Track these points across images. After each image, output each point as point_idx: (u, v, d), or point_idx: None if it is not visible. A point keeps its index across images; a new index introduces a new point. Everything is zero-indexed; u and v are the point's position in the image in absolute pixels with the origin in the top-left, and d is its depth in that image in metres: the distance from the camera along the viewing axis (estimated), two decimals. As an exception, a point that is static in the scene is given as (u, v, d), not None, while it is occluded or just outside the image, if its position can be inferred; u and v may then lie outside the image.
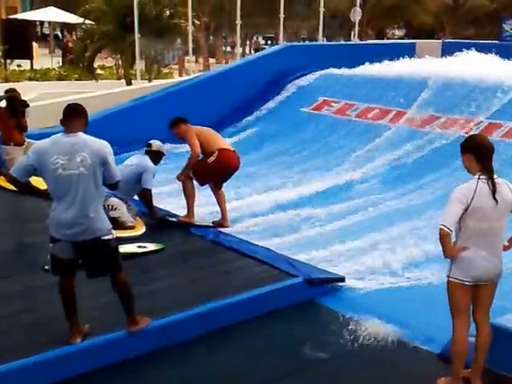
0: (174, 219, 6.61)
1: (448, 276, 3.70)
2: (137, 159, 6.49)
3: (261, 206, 7.62)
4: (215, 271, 5.28)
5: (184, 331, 4.33)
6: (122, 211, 6.21)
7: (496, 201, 3.53)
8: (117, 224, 5.93)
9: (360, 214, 7.29)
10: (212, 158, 6.55)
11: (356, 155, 9.25)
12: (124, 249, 5.11)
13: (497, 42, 14.11)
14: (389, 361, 4.22)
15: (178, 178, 6.67)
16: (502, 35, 14.85)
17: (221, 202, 6.78)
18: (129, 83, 17.87)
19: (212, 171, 6.60)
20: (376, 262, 5.85)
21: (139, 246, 5.65)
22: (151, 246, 5.70)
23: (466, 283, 3.62)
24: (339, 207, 7.50)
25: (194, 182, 6.72)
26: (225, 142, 6.94)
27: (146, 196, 6.33)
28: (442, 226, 3.54)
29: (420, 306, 4.89)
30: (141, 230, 6.22)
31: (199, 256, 5.69)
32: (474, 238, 3.59)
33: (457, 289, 3.66)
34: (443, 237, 3.55)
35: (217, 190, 6.80)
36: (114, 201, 6.19)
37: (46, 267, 4.25)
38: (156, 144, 6.63)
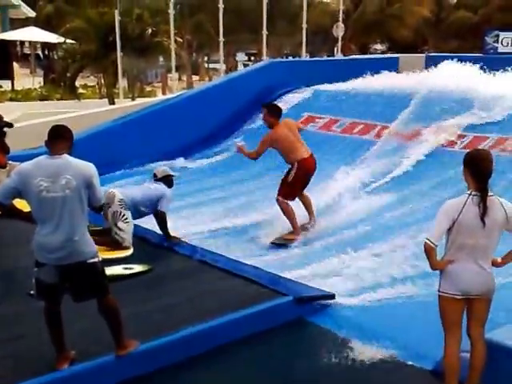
0: (278, 241, 6.91)
1: (438, 290, 3.71)
2: (156, 184, 6.57)
3: (248, 222, 7.62)
4: (203, 292, 5.19)
5: (173, 354, 4.26)
6: (129, 228, 6.17)
7: (484, 223, 3.52)
8: (114, 240, 6.00)
9: (348, 229, 7.27)
10: (292, 173, 7.10)
11: (342, 170, 9.22)
12: (110, 271, 5.01)
13: (480, 54, 14.29)
14: (381, 378, 4.18)
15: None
16: (486, 48, 15.04)
17: (307, 204, 7.30)
18: (112, 102, 17.82)
19: (296, 184, 7.14)
20: (365, 279, 5.82)
21: (126, 268, 5.56)
22: (138, 268, 5.61)
23: (456, 297, 3.61)
24: (326, 223, 7.46)
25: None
26: (303, 150, 7.21)
27: (161, 217, 6.41)
28: (426, 240, 3.60)
29: (411, 322, 4.86)
30: (128, 251, 6.12)
31: (187, 276, 5.60)
32: (461, 251, 3.59)
33: (447, 303, 3.66)
34: (427, 250, 3.61)
35: (300, 194, 7.25)
36: (129, 215, 6.18)
37: (31, 292, 4.15)
38: (160, 171, 6.75)
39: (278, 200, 7.12)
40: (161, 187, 6.51)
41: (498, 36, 14.94)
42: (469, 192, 3.60)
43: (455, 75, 10.42)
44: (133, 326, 4.23)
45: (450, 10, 32.02)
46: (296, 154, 7.10)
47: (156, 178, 6.66)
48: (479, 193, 3.55)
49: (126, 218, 6.15)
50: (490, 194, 3.57)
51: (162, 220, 6.41)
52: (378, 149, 9.59)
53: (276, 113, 7.21)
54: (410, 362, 4.26)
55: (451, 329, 3.68)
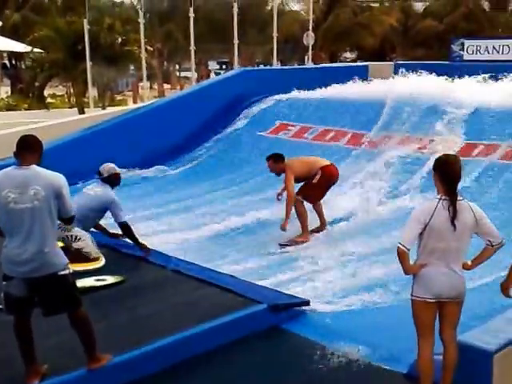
0: (287, 243, 7.09)
1: (411, 295, 3.74)
2: (99, 188, 6.24)
3: (222, 231, 7.63)
4: (178, 302, 5.14)
5: (148, 366, 4.19)
6: (87, 242, 6.00)
7: (454, 226, 3.56)
8: (81, 256, 5.79)
9: (321, 237, 7.32)
10: (317, 177, 7.33)
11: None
12: (82, 283, 4.95)
13: (447, 62, 14.55)
14: (357, 383, 4.17)
15: (283, 228, 7.11)
16: (452, 55, 15.32)
17: (319, 212, 7.50)
18: (81, 111, 17.66)
19: (320, 188, 7.41)
20: (340, 284, 5.85)
21: (98, 280, 5.47)
22: (110, 279, 5.53)
23: (428, 300, 3.64)
24: (299, 232, 7.48)
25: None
26: (321, 160, 7.62)
27: (126, 230, 6.13)
28: (399, 245, 3.63)
29: (386, 326, 4.87)
30: (100, 262, 6.02)
31: (161, 287, 5.54)
32: (433, 255, 3.62)
33: (420, 307, 3.68)
34: (400, 255, 3.63)
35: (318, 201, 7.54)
36: (78, 231, 5.97)
37: (0, 306, 4.05)
38: (106, 169, 6.35)
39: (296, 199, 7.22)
40: (105, 193, 6.10)
41: (463, 44, 15.26)
42: (439, 196, 3.64)
43: (423, 83, 10.59)
44: (106, 338, 4.16)
45: (416, 19, 32.55)
46: (315, 165, 7.43)
47: (102, 177, 6.30)
48: (448, 197, 3.59)
49: (76, 237, 5.92)
50: (459, 198, 3.62)
51: (126, 231, 6.12)
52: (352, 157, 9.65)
53: (279, 158, 7.49)
54: (385, 366, 4.27)
55: (424, 332, 3.71)
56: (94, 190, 6.27)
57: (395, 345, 4.46)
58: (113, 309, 5.02)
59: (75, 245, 5.89)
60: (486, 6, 32.33)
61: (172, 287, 5.50)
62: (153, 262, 6.14)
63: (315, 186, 7.33)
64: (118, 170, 6.48)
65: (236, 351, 4.55)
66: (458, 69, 11.33)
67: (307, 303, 5.19)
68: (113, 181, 6.30)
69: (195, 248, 7.07)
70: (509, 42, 14.74)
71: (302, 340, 4.71)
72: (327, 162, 7.53)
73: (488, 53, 14.60)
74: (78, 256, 5.84)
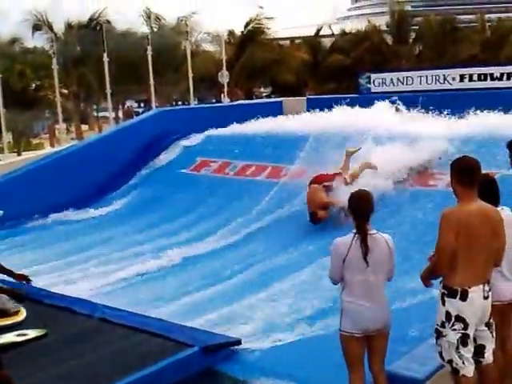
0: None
1: (339, 329, 3.78)
2: None
3: (147, 271, 7.57)
4: (104, 353, 4.92)
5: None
6: (2, 300, 5.68)
7: (367, 262, 3.62)
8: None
9: (245, 273, 7.33)
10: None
11: (238, 214, 9.32)
12: (2, 339, 4.71)
13: (356, 95, 15.17)
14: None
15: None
16: (360, 88, 16.00)
17: None
18: (-5, 158, 17.03)
19: None
20: (269, 319, 5.88)
21: (19, 335, 5.19)
22: (32, 333, 5.26)
23: (356, 335, 3.69)
24: (225, 268, 7.49)
25: None
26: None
27: None
28: (329, 278, 3.76)
29: (316, 360, 4.88)
30: (20, 315, 5.73)
31: (86, 338, 5.30)
32: (355, 288, 3.68)
33: (348, 341, 3.73)
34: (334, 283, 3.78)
35: None
36: None
37: None
38: None
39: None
40: None
41: (369, 77, 15.98)
42: (354, 231, 3.72)
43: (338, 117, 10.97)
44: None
45: (325, 54, 33.81)
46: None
47: None
48: (359, 232, 3.66)
49: None
50: (371, 231, 3.70)
51: None
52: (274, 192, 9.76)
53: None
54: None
55: (354, 365, 3.76)
56: None
57: (327, 377, 4.48)
58: (36, 365, 4.76)
59: None
60: (389, 39, 34.12)
61: (99, 337, 5.29)
62: (77, 311, 5.91)
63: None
64: None
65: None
66: (367, 101, 11.79)
67: (238, 342, 5.16)
68: None
69: (121, 292, 6.94)
70: (411, 73, 15.62)
71: (236, 380, 4.66)
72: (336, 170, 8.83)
73: (393, 84, 15.37)
74: None
